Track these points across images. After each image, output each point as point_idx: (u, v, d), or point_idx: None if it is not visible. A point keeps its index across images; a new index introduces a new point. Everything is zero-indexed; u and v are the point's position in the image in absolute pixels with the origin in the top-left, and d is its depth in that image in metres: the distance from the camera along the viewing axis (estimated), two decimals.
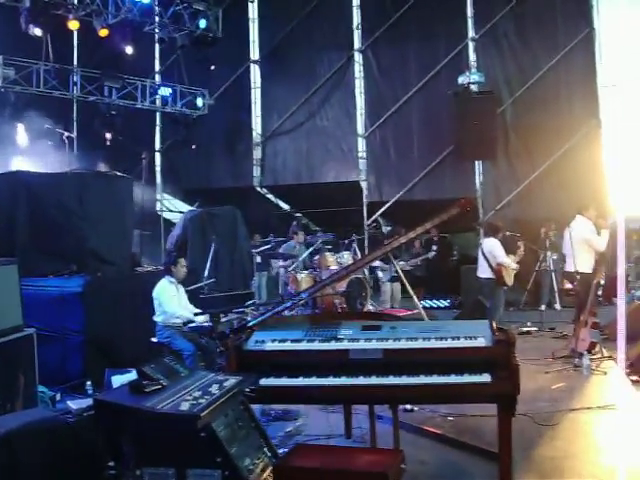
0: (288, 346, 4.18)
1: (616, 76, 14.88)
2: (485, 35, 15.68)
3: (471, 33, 15.89)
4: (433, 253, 13.53)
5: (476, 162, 15.68)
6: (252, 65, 17.46)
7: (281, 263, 12.65)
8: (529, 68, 15.35)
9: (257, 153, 17.44)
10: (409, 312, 7.65)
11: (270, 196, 18.05)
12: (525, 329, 11.09)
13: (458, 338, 4.04)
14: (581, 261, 9.10)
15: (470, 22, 15.93)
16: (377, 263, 11.44)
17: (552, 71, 15.09)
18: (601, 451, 5.26)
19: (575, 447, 5.32)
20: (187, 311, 7.79)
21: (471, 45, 15.90)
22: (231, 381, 3.72)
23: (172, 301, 7.67)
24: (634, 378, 7.54)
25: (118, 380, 6.61)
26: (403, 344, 4.04)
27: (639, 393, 6.93)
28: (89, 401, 4.23)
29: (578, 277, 9.07)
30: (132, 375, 5.55)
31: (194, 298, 8.71)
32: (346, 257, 11.65)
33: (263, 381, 4.05)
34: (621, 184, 8.37)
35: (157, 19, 14.62)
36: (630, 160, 8.42)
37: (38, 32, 12.62)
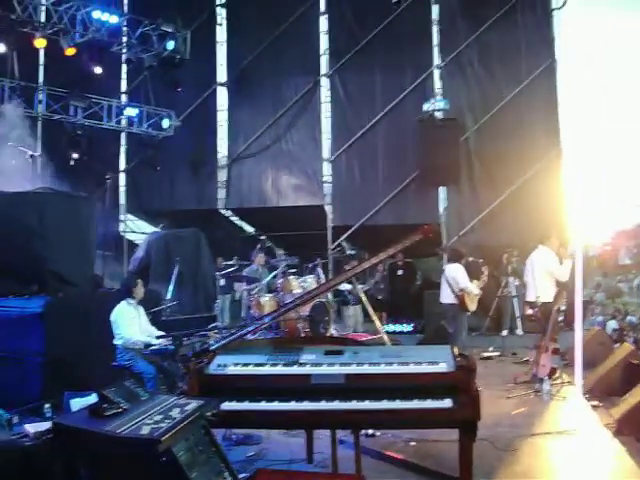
0: (250, 370, 4.17)
1: (577, 106, 15.17)
2: (450, 63, 15.93)
3: (437, 61, 16.13)
4: (375, 279, 13.71)
5: (440, 188, 15.84)
6: (219, 88, 17.45)
7: (244, 286, 12.62)
8: (493, 97, 15.60)
9: (222, 175, 17.37)
10: (372, 337, 7.69)
11: (235, 219, 18.02)
12: (487, 354, 11.20)
13: (420, 363, 4.06)
14: (542, 290, 9.20)
15: (436, 50, 16.18)
16: (346, 286, 11.49)
17: (515, 100, 15.35)
18: (560, 475, 5.31)
19: (535, 471, 5.38)
20: (145, 335, 7.71)
21: (436, 73, 16.13)
22: (192, 405, 3.68)
23: (131, 325, 7.60)
24: (593, 403, 7.64)
25: (77, 403, 6.51)
26: (365, 369, 4.06)
27: (598, 418, 7.01)
28: (47, 424, 4.17)
29: (539, 305, 9.18)
30: (92, 398, 5.47)
31: (156, 321, 8.64)
32: (310, 281, 11.63)
33: (225, 405, 4.02)
34: (580, 213, 8.50)
35: (125, 39, 14.57)
36: (588, 189, 8.58)
37: (2, 49, 12.56)
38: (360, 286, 12.71)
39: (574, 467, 5.53)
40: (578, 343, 7.79)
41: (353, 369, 4.07)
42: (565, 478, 5.31)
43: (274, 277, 11.96)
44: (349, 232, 15.98)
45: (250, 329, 4.85)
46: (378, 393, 3.99)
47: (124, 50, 14.88)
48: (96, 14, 13.57)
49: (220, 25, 17.59)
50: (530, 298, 9.48)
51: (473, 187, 15.47)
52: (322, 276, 12.72)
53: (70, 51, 13.24)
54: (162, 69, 15.10)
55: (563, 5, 15.68)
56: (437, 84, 16.14)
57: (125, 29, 14.50)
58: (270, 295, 11.32)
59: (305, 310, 10.55)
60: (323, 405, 3.96)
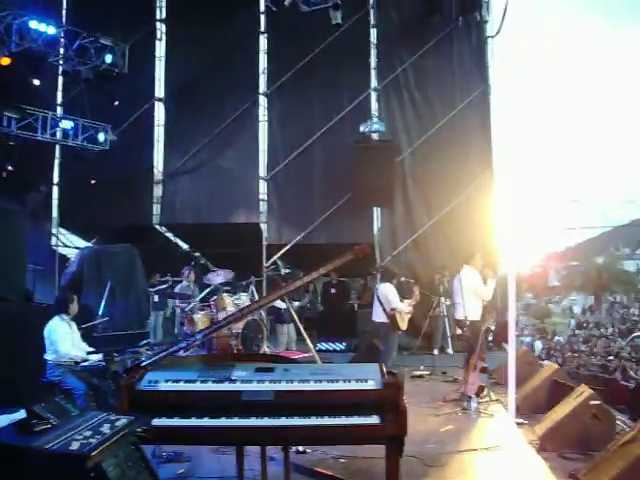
0: (181, 386, 4.19)
1: (509, 131, 15.61)
2: (387, 86, 16.25)
3: (374, 83, 16.40)
4: (307, 299, 13.84)
5: (374, 209, 16.05)
6: (157, 103, 17.37)
7: (177, 303, 12.57)
8: (428, 120, 15.96)
9: (158, 191, 17.25)
10: (304, 355, 7.75)
11: (169, 235, 17.90)
12: (418, 373, 11.35)
13: (349, 381, 4.14)
14: (470, 309, 9.42)
15: (373, 73, 16.47)
16: (280, 304, 11.54)
17: (449, 124, 15.72)
18: None
19: None
20: (80, 350, 7.65)
21: (373, 95, 16.41)
22: (123, 421, 3.68)
23: (65, 340, 7.52)
24: (519, 420, 7.86)
25: (5, 419, 6.37)
26: (295, 386, 4.12)
27: (523, 435, 7.22)
28: None
29: (467, 324, 9.39)
30: (21, 414, 5.39)
31: (88, 336, 8.56)
32: (243, 299, 11.68)
33: (155, 421, 4.02)
34: (510, 235, 8.72)
35: (62, 51, 14.40)
36: (520, 212, 8.81)
37: None
38: (296, 303, 12.86)
39: None
40: (511, 361, 8.00)
41: (283, 386, 4.12)
42: None
43: (208, 294, 11.96)
44: (284, 250, 16.04)
45: (182, 346, 4.86)
46: (307, 410, 4.05)
47: (61, 62, 14.70)
48: (33, 24, 13.33)
49: (159, 40, 17.57)
50: (459, 316, 9.69)
51: (407, 208, 15.73)
52: (256, 294, 12.78)
53: (5, 61, 13.02)
54: (99, 82, 14.93)
55: (497, 33, 16.17)
56: (374, 106, 16.43)
57: (63, 40, 14.30)
58: (203, 312, 11.32)
59: (238, 328, 10.59)
60: (253, 421, 4.00)
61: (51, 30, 13.76)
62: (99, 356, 7.53)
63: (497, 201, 15.12)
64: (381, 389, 4.09)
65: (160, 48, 17.59)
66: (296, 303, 13.01)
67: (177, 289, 12.81)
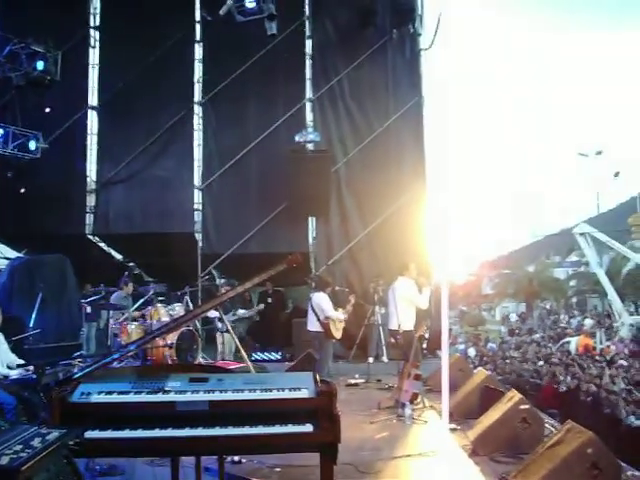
0: (114, 398, 4.14)
1: (441, 141, 15.88)
2: (322, 96, 16.37)
3: (309, 93, 16.51)
4: (262, 306, 13.89)
5: (310, 218, 16.13)
6: (90, 111, 17.12)
7: (111, 314, 12.42)
8: (363, 130, 16.16)
9: (90, 200, 16.95)
10: (239, 365, 7.74)
11: (102, 245, 17.64)
12: (353, 381, 11.45)
13: (283, 390, 4.16)
14: (404, 318, 9.56)
15: (308, 83, 16.58)
16: (214, 314, 11.51)
17: (384, 134, 15.93)
18: None
19: None
20: (4, 365, 7.50)
21: (308, 105, 16.50)
22: (54, 434, 3.61)
23: None
24: (452, 426, 7.99)
25: None
26: (229, 395, 4.12)
27: (456, 440, 7.34)
28: None
29: (401, 333, 9.51)
30: None
31: (18, 349, 8.40)
32: (178, 309, 11.60)
33: (88, 434, 3.98)
34: (442, 244, 8.85)
35: None
36: (451, 221, 8.95)
37: None
38: (242, 311, 12.91)
39: None
40: (444, 368, 8.12)
41: (217, 396, 4.12)
42: None
43: (142, 305, 11.85)
44: (219, 260, 15.97)
45: (115, 357, 4.82)
46: (242, 419, 4.06)
47: None
48: None
49: (93, 47, 17.32)
50: (392, 326, 9.80)
51: (342, 218, 15.87)
52: (190, 304, 12.71)
53: None
54: (31, 89, 14.70)
55: (430, 46, 16.44)
56: (309, 116, 16.54)
57: None
58: (137, 323, 11.21)
59: (172, 338, 10.52)
60: (187, 432, 3.99)
61: None
62: (28, 369, 7.39)
63: (429, 210, 15.36)
64: (314, 397, 4.12)
65: (94, 55, 17.33)
66: (242, 311, 13.10)
67: (113, 299, 12.63)
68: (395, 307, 9.69)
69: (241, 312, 13.43)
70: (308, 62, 16.77)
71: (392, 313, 9.89)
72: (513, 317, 45.27)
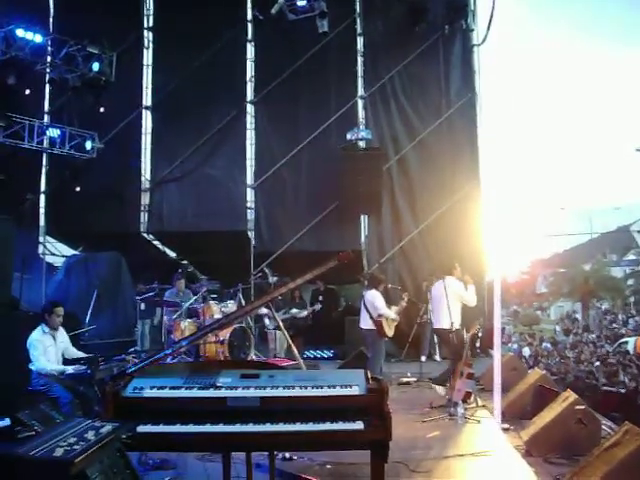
0: (166, 393, 4.18)
1: (495, 139, 15.73)
2: (374, 94, 16.33)
3: (360, 91, 16.47)
4: (319, 306, 13.89)
5: (362, 216, 16.08)
6: (144, 111, 17.35)
7: (165, 311, 12.55)
8: (415, 127, 16.07)
9: (145, 199, 17.19)
10: (291, 362, 7.75)
11: (157, 243, 17.86)
12: (405, 380, 11.38)
13: (334, 387, 4.15)
14: (456, 317, 9.48)
15: (360, 80, 16.55)
16: (264, 311, 11.58)
17: (436, 131, 15.82)
18: None
19: None
20: (58, 364, 7.65)
21: (360, 102, 16.48)
22: (107, 428, 3.66)
23: (45, 354, 7.56)
24: (505, 426, 7.89)
25: None
26: (280, 392, 4.12)
27: (509, 440, 7.24)
28: None
29: (454, 332, 9.43)
30: (5, 422, 5.39)
31: (74, 345, 8.54)
32: (230, 306, 11.67)
33: (140, 428, 4.01)
34: (497, 242, 8.75)
35: (49, 59, 14.39)
36: (506, 219, 8.84)
37: None
38: (295, 310, 12.97)
39: None
40: (496, 367, 8.02)
41: (268, 392, 4.12)
42: None
43: (195, 302, 11.95)
44: (271, 258, 16.03)
45: (167, 352, 4.86)
46: (292, 416, 4.05)
47: (48, 70, 14.68)
48: (20, 32, 13.35)
49: (147, 48, 17.54)
50: (444, 325, 9.68)
51: (394, 216, 15.80)
52: (243, 301, 12.78)
53: None
54: (86, 90, 14.93)
55: (483, 42, 16.27)
56: (361, 114, 16.52)
57: (50, 49, 14.30)
58: (190, 320, 11.31)
59: (225, 335, 10.59)
60: (238, 427, 4.00)
61: (38, 38, 13.77)
62: (83, 364, 7.53)
63: (484, 208, 15.20)
64: (365, 395, 4.11)
65: (147, 56, 17.57)
66: (295, 310, 13.16)
67: (166, 297, 12.77)
68: (446, 306, 9.59)
69: (294, 311, 13.46)
70: (359, 59, 16.75)
71: (439, 312, 9.80)
72: (566, 316, 44.48)
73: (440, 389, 9.59)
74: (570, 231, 50.62)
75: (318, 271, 5.02)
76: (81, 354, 7.91)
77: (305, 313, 13.77)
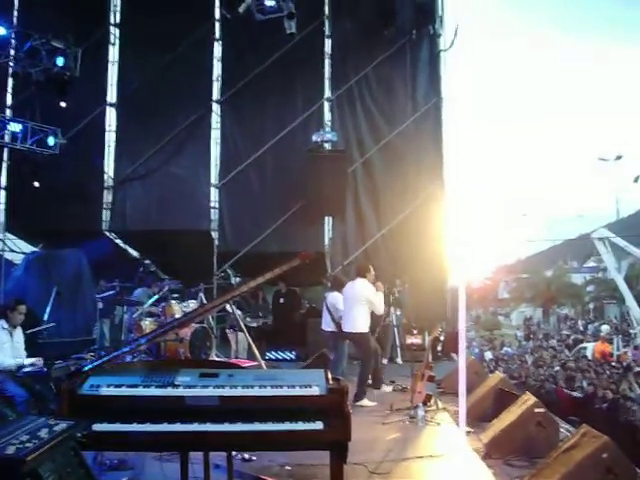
0: (123, 391, 4.11)
1: (460, 143, 15.87)
2: (340, 96, 16.39)
3: (327, 93, 16.51)
4: (270, 318, 13.96)
5: (326, 218, 16.10)
6: (108, 108, 17.19)
7: (126, 310, 12.42)
8: (381, 130, 16.16)
9: (108, 197, 17.05)
10: (252, 363, 7.71)
11: (119, 241, 17.67)
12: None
13: (293, 386, 4.11)
14: (360, 321, 9.53)
15: (327, 82, 16.59)
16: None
17: (402, 135, 15.93)
18: None
19: None
20: (17, 359, 7.52)
21: (327, 104, 16.51)
22: (62, 426, 3.58)
23: (1, 350, 7.40)
24: (466, 429, 7.92)
25: None
26: (239, 391, 4.08)
27: (469, 442, 7.27)
28: None
29: (355, 336, 9.55)
30: None
31: (32, 343, 8.42)
32: (192, 306, 11.59)
33: (96, 426, 3.94)
34: (460, 246, 8.77)
35: (12, 52, 14.16)
36: (469, 223, 8.87)
37: None
38: (249, 319, 12.92)
39: None
40: (461, 371, 8.05)
41: (227, 391, 4.07)
42: None
43: (156, 301, 11.85)
44: (235, 258, 15.96)
45: (125, 350, 4.79)
46: (251, 415, 4.01)
47: (11, 63, 14.43)
48: None
49: (113, 45, 17.40)
50: (355, 329, 9.65)
51: (358, 218, 15.87)
52: (205, 301, 12.69)
53: None
54: (50, 85, 14.72)
55: (450, 47, 16.39)
56: (327, 116, 16.56)
57: (13, 42, 14.08)
58: (151, 319, 11.21)
59: (186, 334, 10.51)
60: (195, 427, 3.95)
61: (1, 31, 13.57)
62: (39, 361, 7.41)
63: (447, 212, 15.31)
64: (325, 395, 4.07)
65: (113, 53, 17.45)
66: (249, 319, 13.13)
67: (136, 296, 12.63)
68: (351, 308, 9.59)
69: (247, 320, 13.43)
70: (327, 61, 16.78)
71: (349, 314, 9.76)
72: (525, 321, 44.95)
73: (367, 402, 9.52)
74: (532, 237, 51.20)
75: (280, 270, 4.99)
76: (29, 360, 7.77)
77: (255, 324, 13.74)
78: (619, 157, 47.71)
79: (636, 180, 45.34)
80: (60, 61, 14.39)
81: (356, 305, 9.56)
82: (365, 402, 9.35)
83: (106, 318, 13.64)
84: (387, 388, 10.16)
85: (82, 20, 16.19)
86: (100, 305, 13.06)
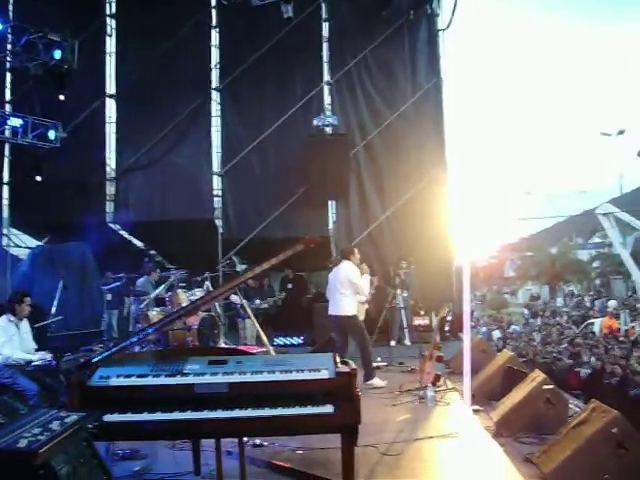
0: (133, 381, 4.13)
1: (462, 123, 15.83)
2: (340, 80, 16.30)
3: (326, 77, 16.43)
4: (282, 295, 13.92)
5: (329, 202, 16.07)
6: (108, 99, 17.13)
7: (133, 300, 12.45)
8: (382, 113, 16.09)
9: (110, 188, 17.01)
10: (260, 349, 7.72)
11: (123, 232, 17.65)
12: (375, 364, 11.37)
13: (302, 371, 4.13)
14: (346, 304, 9.46)
15: (326, 66, 16.51)
16: (236, 299, 11.53)
17: (403, 116, 15.85)
18: (442, 476, 5.51)
19: (417, 473, 5.52)
20: (24, 353, 7.54)
21: (326, 89, 16.43)
22: (73, 417, 3.61)
23: (9, 342, 7.43)
24: (475, 407, 7.95)
25: None
26: (248, 377, 4.09)
27: (479, 421, 7.29)
28: None
29: (342, 319, 9.50)
30: None
31: (41, 336, 8.45)
32: (198, 295, 11.59)
33: (107, 417, 3.98)
34: (465, 226, 8.77)
35: (9, 47, 14.11)
36: (474, 203, 8.86)
37: None
38: (258, 301, 12.93)
39: (455, 468, 5.74)
40: (466, 349, 8.06)
41: (236, 378, 4.09)
42: (446, 478, 5.50)
43: (163, 291, 11.87)
44: (239, 246, 15.96)
45: (133, 340, 4.80)
46: (261, 401, 4.03)
47: (8, 58, 14.38)
48: None
49: (110, 36, 17.30)
50: (342, 312, 9.59)
51: (362, 201, 15.84)
52: (211, 290, 12.71)
53: None
54: (49, 79, 14.67)
55: (448, 26, 16.28)
56: (327, 100, 16.48)
57: (10, 36, 14.02)
58: (158, 309, 11.23)
59: (194, 323, 10.53)
60: (206, 414, 3.98)
61: None
62: (48, 355, 7.43)
63: (451, 193, 15.28)
64: (334, 378, 4.09)
65: (110, 44, 17.33)
66: (258, 301, 13.13)
67: (138, 285, 12.64)
68: (335, 292, 9.57)
69: (257, 302, 13.47)
70: (325, 45, 16.68)
71: (333, 298, 9.71)
72: (531, 299, 44.86)
73: (378, 382, 9.49)
74: (537, 215, 51.12)
75: (284, 255, 5.00)
76: (38, 353, 7.80)
77: (266, 305, 13.76)
78: (622, 132, 47.45)
79: (639, 154, 45.15)
80: (57, 54, 14.32)
81: (341, 288, 9.49)
82: (376, 381, 9.35)
83: (115, 310, 13.68)
84: (380, 382, 9.85)
85: (78, 12, 16.08)
86: (108, 297, 13.10)
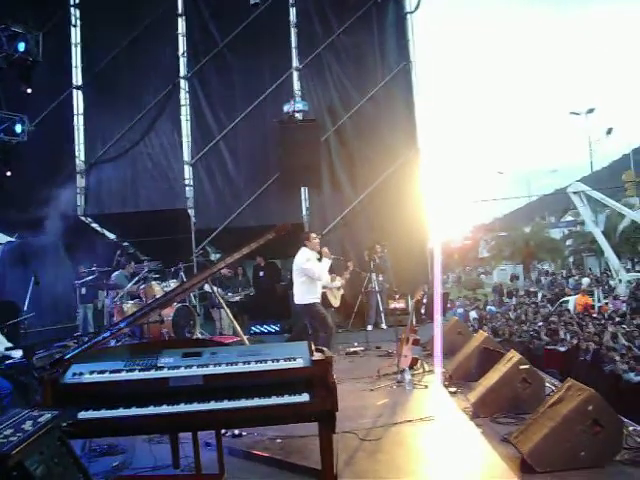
0: (107, 377, 4.08)
1: (432, 105, 15.84)
2: (309, 65, 16.23)
3: (295, 63, 16.35)
4: (252, 291, 13.94)
5: (302, 188, 16.04)
6: (75, 91, 16.92)
7: (107, 294, 12.36)
8: (352, 97, 16.06)
9: (81, 181, 16.83)
10: (235, 339, 7.69)
11: (95, 225, 17.49)
12: (352, 349, 11.41)
13: (277, 360, 4.11)
14: (303, 291, 9.28)
15: (294, 52, 16.43)
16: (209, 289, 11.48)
17: (373, 100, 15.84)
18: (421, 458, 5.52)
19: (397, 457, 5.52)
20: None
21: (295, 74, 16.36)
22: (46, 416, 3.55)
23: None
24: (452, 389, 7.98)
25: None
26: (223, 369, 4.06)
27: (456, 403, 7.32)
28: None
29: (303, 308, 9.32)
30: None
31: (14, 334, 8.35)
32: (173, 286, 11.54)
33: (82, 414, 3.92)
34: (438, 208, 8.79)
35: None
36: (446, 185, 8.87)
37: None
38: (230, 294, 12.87)
39: (433, 450, 5.75)
40: (437, 332, 8.10)
41: (211, 370, 4.05)
42: (425, 461, 5.51)
43: (136, 283, 11.79)
44: (212, 235, 15.88)
45: (106, 335, 4.74)
46: (237, 392, 4.00)
47: None
48: None
49: (74, 26, 17.07)
50: (302, 301, 9.33)
51: (334, 187, 15.82)
52: (185, 280, 12.66)
53: None
54: (14, 71, 14.45)
55: (416, 9, 16.26)
56: (296, 86, 16.41)
57: None
58: (133, 301, 11.16)
59: (168, 315, 10.47)
60: (182, 407, 3.94)
61: None
62: (17, 353, 7.35)
63: (423, 176, 15.32)
64: (309, 366, 4.07)
65: (75, 34, 17.09)
66: (229, 294, 13.08)
67: (113, 279, 12.55)
68: (294, 280, 9.36)
69: (229, 295, 13.42)
70: (293, 30, 16.59)
71: (295, 286, 9.46)
72: (509, 279, 45.20)
73: None
74: (509, 195, 51.58)
75: (256, 244, 4.97)
76: (8, 344, 7.69)
77: (238, 298, 13.71)
78: (591, 110, 47.91)
79: (609, 132, 45.55)
80: (21, 46, 14.11)
81: (297, 277, 9.31)
82: None
83: (89, 304, 13.57)
84: None
85: (41, 3, 15.89)
86: (83, 291, 12.99)
